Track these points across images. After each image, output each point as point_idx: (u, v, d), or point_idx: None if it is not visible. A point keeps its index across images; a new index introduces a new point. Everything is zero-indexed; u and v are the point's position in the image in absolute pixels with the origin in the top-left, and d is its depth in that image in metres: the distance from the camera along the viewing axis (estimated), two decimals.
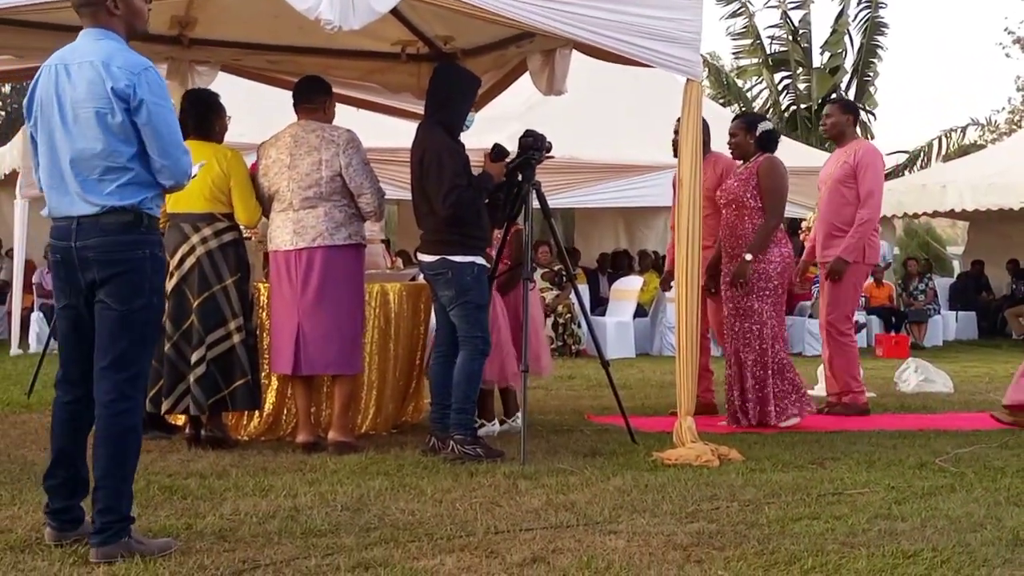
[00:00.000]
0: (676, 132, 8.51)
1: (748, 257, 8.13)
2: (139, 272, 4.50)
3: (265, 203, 7.20)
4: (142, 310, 4.50)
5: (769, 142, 8.43)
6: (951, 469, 6.49)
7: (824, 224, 9.19)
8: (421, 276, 7.56)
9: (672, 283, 8.82)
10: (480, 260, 6.93)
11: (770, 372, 8.22)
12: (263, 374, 7.31)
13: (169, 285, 6.94)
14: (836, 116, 9.30)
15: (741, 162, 8.52)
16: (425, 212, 6.95)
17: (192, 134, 7.02)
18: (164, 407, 7.03)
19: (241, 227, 7.20)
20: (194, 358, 6.91)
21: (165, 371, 6.97)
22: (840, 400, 9.12)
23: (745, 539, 4.83)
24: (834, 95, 24.81)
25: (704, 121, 8.58)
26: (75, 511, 4.63)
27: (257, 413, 7.41)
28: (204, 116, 7.16)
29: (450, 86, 7.06)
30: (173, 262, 6.95)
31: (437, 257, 6.87)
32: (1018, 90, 39.68)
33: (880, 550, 4.62)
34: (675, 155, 8.55)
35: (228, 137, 7.52)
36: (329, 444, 6.98)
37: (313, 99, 7.25)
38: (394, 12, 7.82)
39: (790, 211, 14.98)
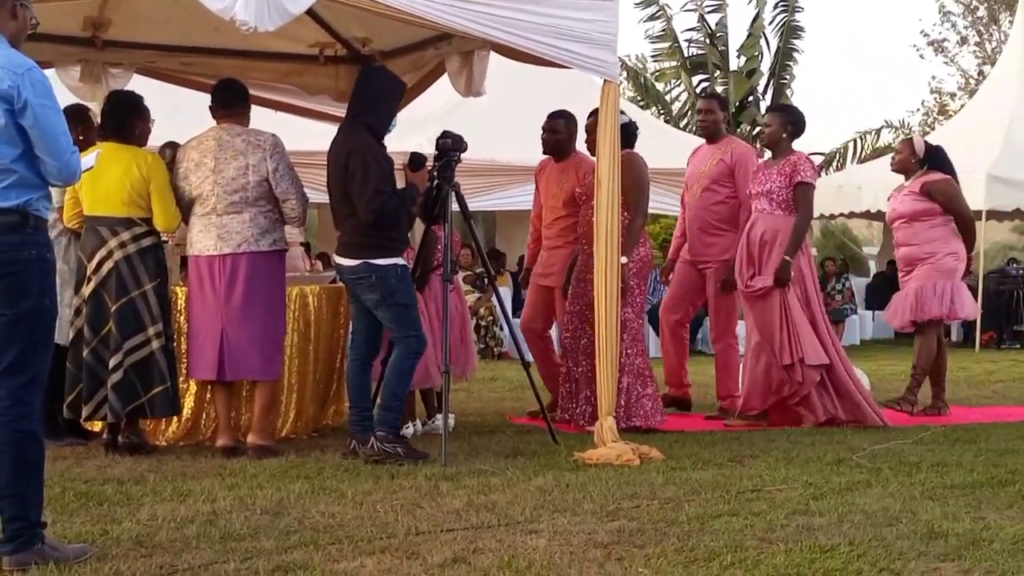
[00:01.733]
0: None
1: (624, 260, 7.81)
2: (25, 274, 4.38)
3: (184, 207, 7.13)
4: (31, 313, 4.39)
5: (627, 136, 8.16)
6: (867, 465, 6.58)
7: (698, 222, 8.94)
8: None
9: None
10: (402, 261, 6.92)
11: (623, 374, 7.94)
12: (181, 379, 7.23)
13: (87, 290, 6.87)
14: (716, 113, 9.15)
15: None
16: (346, 214, 6.91)
17: (111, 136, 6.95)
18: (83, 414, 6.92)
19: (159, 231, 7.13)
20: (112, 364, 6.81)
21: (84, 377, 6.87)
22: (730, 406, 8.91)
23: (665, 536, 4.86)
24: (751, 97, 25.07)
25: (572, 117, 8.58)
26: None
27: (176, 418, 7.33)
28: (123, 119, 7.05)
29: (377, 88, 7.04)
30: (91, 267, 6.86)
31: (359, 261, 6.83)
32: (931, 92, 40.37)
33: (798, 545, 4.68)
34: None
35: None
36: (249, 448, 6.93)
37: (236, 104, 7.23)
38: (311, 14, 7.78)
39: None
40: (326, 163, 7.05)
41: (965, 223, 8.94)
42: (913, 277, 8.97)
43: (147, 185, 6.90)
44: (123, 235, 6.87)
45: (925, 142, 9.20)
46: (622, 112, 8.31)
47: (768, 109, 8.61)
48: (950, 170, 9.00)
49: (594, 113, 8.34)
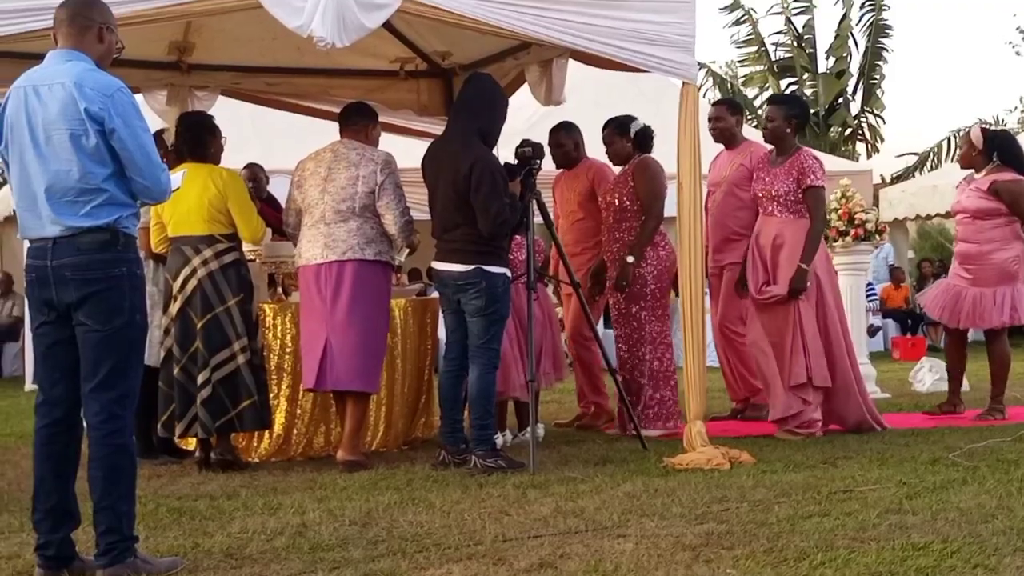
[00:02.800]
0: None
1: (630, 259, 7.92)
2: (117, 290, 4.47)
3: (293, 220, 7.24)
4: (124, 328, 4.48)
5: (644, 140, 8.20)
6: (963, 463, 6.45)
7: (719, 228, 8.70)
8: (432, 291, 7.50)
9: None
10: (508, 273, 6.95)
11: (646, 379, 8.03)
12: (272, 395, 7.30)
13: (173, 309, 6.97)
14: (726, 119, 8.85)
15: (622, 167, 8.36)
16: (460, 223, 6.85)
17: (188, 157, 7.05)
18: (177, 431, 7.03)
19: (245, 247, 7.21)
20: (200, 380, 6.90)
21: (176, 395, 6.96)
22: (747, 404, 8.83)
23: (755, 538, 4.80)
24: (840, 99, 24.80)
25: (574, 126, 8.61)
26: (62, 547, 4.52)
27: (267, 434, 7.40)
28: (199, 138, 7.15)
29: (485, 95, 7.05)
30: (176, 285, 6.96)
31: (472, 267, 6.80)
32: None
33: (890, 544, 4.60)
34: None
35: (233, 163, 7.53)
36: (339, 463, 6.96)
37: (357, 121, 7.34)
38: (390, 29, 7.86)
39: None
40: (424, 174, 7.05)
41: None
42: (971, 280, 8.62)
43: (224, 201, 6.98)
44: (206, 252, 6.97)
45: (985, 130, 8.80)
46: (635, 118, 8.29)
47: (768, 101, 8.07)
48: (1020, 162, 8.66)
49: (608, 124, 8.38)
